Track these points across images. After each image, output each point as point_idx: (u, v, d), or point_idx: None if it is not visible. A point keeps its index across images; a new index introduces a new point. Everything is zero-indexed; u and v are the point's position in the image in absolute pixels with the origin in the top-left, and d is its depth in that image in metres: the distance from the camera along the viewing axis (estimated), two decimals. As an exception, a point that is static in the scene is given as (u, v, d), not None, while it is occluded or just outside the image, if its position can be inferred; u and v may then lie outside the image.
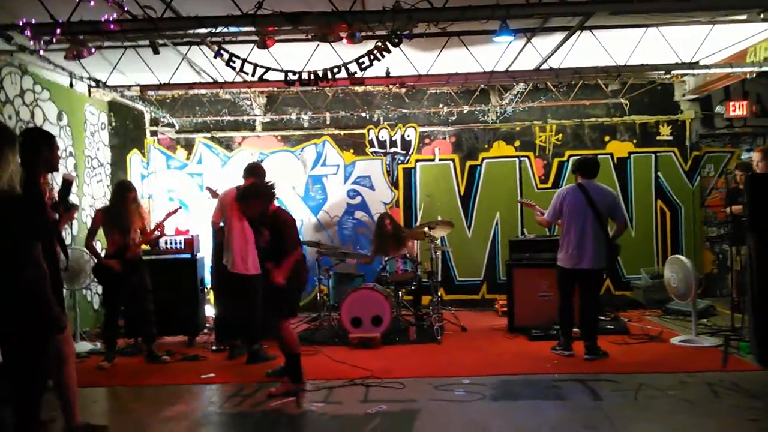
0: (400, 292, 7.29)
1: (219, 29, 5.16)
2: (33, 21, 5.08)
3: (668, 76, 8.07)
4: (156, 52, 5.57)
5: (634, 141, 9.03)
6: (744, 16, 5.77)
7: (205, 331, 7.32)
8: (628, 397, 4.72)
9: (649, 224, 8.96)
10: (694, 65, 7.20)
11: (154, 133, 9.17)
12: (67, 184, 4.19)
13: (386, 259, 7.29)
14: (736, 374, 5.18)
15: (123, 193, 6.26)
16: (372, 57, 5.26)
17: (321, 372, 5.58)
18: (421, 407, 4.60)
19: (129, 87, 7.71)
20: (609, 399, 4.69)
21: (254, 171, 6.34)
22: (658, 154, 8.99)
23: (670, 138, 9.01)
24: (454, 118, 9.08)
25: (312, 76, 5.64)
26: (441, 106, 9.03)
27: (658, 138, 9.03)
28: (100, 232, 6.26)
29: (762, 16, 5.41)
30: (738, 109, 8.67)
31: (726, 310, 7.28)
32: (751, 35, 6.81)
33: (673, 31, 6.65)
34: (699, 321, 6.70)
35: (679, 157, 8.98)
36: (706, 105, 8.97)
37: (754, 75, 7.22)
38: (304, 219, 9.00)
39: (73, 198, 7.35)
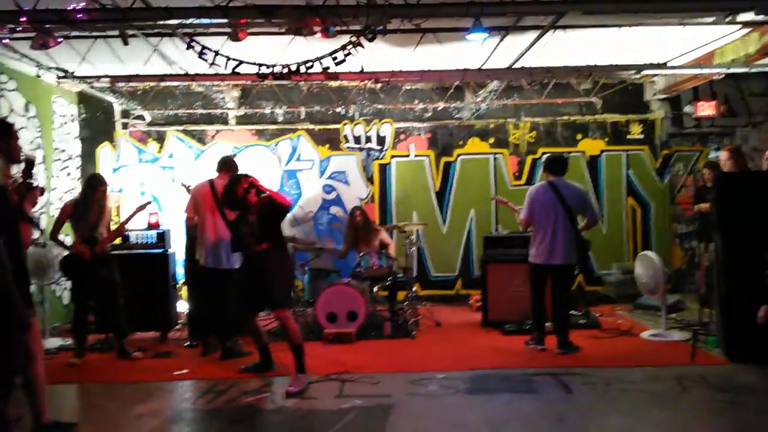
0: (375, 288, 7.29)
1: (190, 21, 5.08)
2: (-3, 8, 4.95)
3: (639, 76, 8.21)
4: (126, 43, 5.46)
5: (606, 139, 9.17)
6: (712, 19, 5.88)
7: (178, 326, 7.22)
8: (598, 390, 4.80)
9: (620, 221, 9.11)
10: (663, 66, 7.33)
11: (125, 126, 9.01)
12: (28, 164, 4.09)
13: (361, 254, 7.29)
14: (703, 368, 5.29)
15: (94, 186, 6.14)
16: (346, 52, 5.24)
17: (296, 367, 5.55)
18: (395, 402, 4.61)
19: (99, 78, 7.55)
20: (580, 393, 4.76)
21: (227, 165, 6.30)
22: (628, 152, 9.14)
23: (641, 137, 9.16)
24: (429, 115, 9.10)
25: (285, 70, 5.59)
26: (416, 102, 9.05)
27: (628, 137, 9.18)
28: (67, 226, 6.14)
29: (728, 19, 5.53)
30: (706, 109, 8.85)
31: (695, 305, 7.45)
32: (719, 38, 6.95)
33: (644, 32, 6.75)
34: (668, 316, 6.83)
35: (650, 156, 9.14)
36: (675, 105, 9.15)
37: (722, 76, 7.37)
38: (278, 214, 8.92)
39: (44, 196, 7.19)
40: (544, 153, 8.98)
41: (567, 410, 4.38)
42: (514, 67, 7.43)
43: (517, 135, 9.16)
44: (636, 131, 9.17)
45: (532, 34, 6.47)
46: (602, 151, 9.14)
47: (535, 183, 8.63)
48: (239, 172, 5.27)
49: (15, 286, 3.43)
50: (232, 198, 5.08)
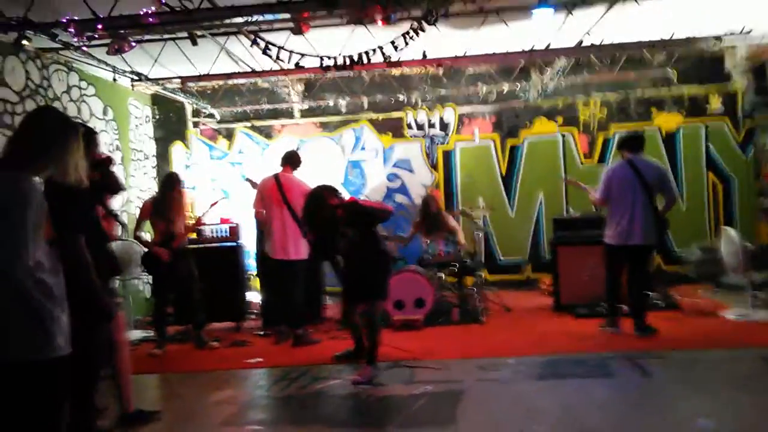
0: (442, 274, 7.25)
1: (255, 18, 5.19)
2: (75, 18, 5.22)
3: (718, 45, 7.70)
4: (194, 43, 5.65)
5: (683, 113, 8.72)
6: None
7: (251, 316, 7.44)
8: (678, 373, 4.62)
9: (701, 198, 8.66)
10: (745, 34, 6.84)
11: (195, 125, 9.33)
12: (105, 163, 4.28)
13: (428, 241, 7.27)
14: (794, 349, 4.99)
15: (172, 184, 6.38)
16: (407, 38, 5.20)
17: (365, 354, 5.61)
18: (466, 388, 4.58)
19: (170, 79, 7.84)
20: (658, 375, 4.59)
21: (290, 159, 6.44)
22: (708, 125, 8.66)
23: (721, 108, 8.65)
24: (493, 97, 8.92)
25: (347, 61, 5.62)
26: (480, 85, 8.87)
27: (707, 109, 8.69)
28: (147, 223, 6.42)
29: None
30: (794, 76, 8.26)
31: (785, 283, 7.00)
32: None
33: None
34: (756, 294, 6.43)
35: (732, 128, 8.62)
36: (760, 74, 8.54)
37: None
38: (344, 204, 9.03)
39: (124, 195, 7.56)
40: (616, 131, 8.65)
41: (644, 394, 4.22)
42: (582, 45, 7.13)
43: (588, 113, 8.85)
44: (716, 103, 8.66)
45: (601, 8, 6.20)
46: (679, 126, 8.70)
47: (607, 161, 8.38)
48: (318, 187, 5.19)
49: (98, 280, 3.63)
50: (320, 222, 5.04)
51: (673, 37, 6.96)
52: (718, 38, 7.23)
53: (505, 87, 8.78)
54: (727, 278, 7.43)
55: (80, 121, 6.79)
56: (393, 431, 3.87)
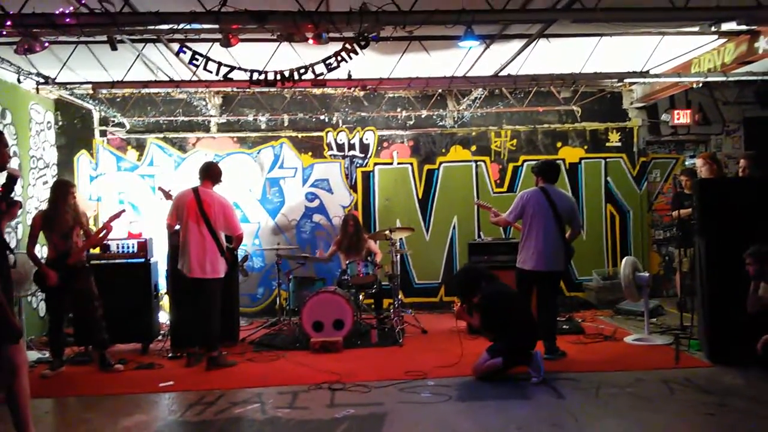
0: (360, 296, 7.25)
1: (181, 26, 5.00)
2: (-19, 12, 4.83)
3: (619, 83, 8.34)
4: (114, 48, 5.36)
5: (585, 147, 9.31)
6: (696, 28, 6.01)
7: (160, 337, 7.08)
8: (589, 395, 4.84)
9: (600, 228, 9.24)
10: (644, 74, 7.46)
11: (103, 133, 8.83)
12: (11, 179, 3.96)
13: (347, 262, 7.26)
14: (688, 371, 5.39)
15: (62, 192, 5.90)
16: (339, 58, 5.21)
17: (284, 377, 5.49)
18: (388, 410, 4.58)
19: (80, 84, 7.38)
20: (571, 397, 4.79)
21: (210, 171, 6.18)
22: (607, 159, 9.29)
23: (619, 144, 9.33)
24: (412, 123, 9.12)
25: (278, 77, 5.54)
26: (399, 110, 9.06)
27: (607, 144, 9.33)
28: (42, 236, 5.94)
29: (713, 29, 5.64)
30: (682, 117, 9.08)
31: (673, 309, 7.55)
32: (696, 47, 7.13)
33: (624, 42, 6.88)
34: (649, 320, 6.91)
35: (628, 163, 9.30)
36: (652, 113, 9.34)
37: (700, 85, 7.53)
38: (261, 222, 8.86)
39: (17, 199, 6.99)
40: (525, 161, 9.10)
41: (561, 415, 4.40)
42: (499, 75, 7.47)
43: (499, 143, 9.24)
44: (614, 139, 9.33)
45: (518, 43, 6.53)
46: (581, 159, 9.28)
47: (517, 190, 8.76)
48: None
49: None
50: None
51: (581, 71, 7.45)
52: (619, 78, 7.82)
53: (423, 113, 9.01)
54: (624, 304, 7.96)
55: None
56: (319, 456, 3.79)
